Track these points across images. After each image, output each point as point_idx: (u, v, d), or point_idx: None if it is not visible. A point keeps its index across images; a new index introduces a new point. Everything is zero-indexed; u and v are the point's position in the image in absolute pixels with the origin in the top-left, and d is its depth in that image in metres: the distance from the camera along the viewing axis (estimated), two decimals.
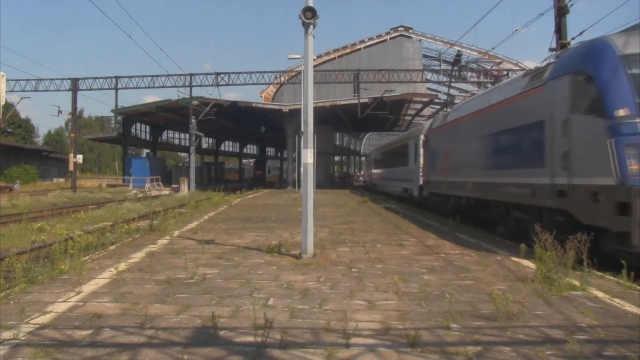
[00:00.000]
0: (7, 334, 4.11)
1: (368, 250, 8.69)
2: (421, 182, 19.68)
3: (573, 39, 13.48)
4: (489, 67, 40.84)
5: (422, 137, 20.01)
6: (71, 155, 36.37)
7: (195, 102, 36.61)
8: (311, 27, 7.85)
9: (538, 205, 8.92)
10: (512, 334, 4.20)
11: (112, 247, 9.11)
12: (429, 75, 40.25)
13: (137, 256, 7.99)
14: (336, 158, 75.76)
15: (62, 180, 52.31)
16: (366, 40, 48.90)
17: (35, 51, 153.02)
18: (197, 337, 4.12)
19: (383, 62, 43.02)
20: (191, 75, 36.33)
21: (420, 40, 47.80)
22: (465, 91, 31.64)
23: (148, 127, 51.10)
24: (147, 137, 52.16)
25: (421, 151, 19.91)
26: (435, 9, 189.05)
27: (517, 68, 37.26)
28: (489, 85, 31.94)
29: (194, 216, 15.57)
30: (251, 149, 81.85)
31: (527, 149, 9.41)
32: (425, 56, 48.03)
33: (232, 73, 36.23)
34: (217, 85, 36.37)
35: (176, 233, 11.03)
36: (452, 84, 41.49)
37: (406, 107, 43.86)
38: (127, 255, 8.02)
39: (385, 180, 31.25)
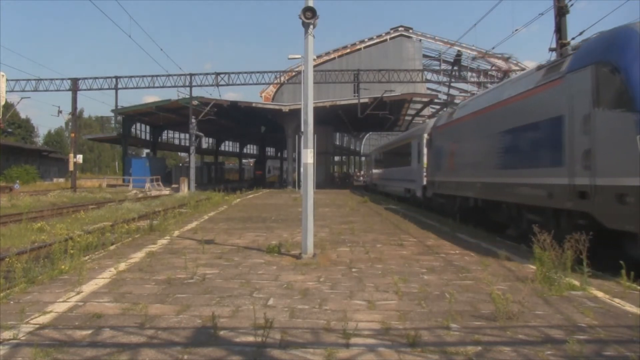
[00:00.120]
0: (7, 334, 4.11)
1: (368, 250, 8.69)
2: (425, 183, 19.11)
3: (573, 39, 13.49)
4: (489, 67, 40.81)
5: (425, 135, 19.33)
6: (71, 155, 36.43)
7: (195, 102, 36.62)
8: (311, 27, 7.85)
9: (554, 207, 8.42)
10: (512, 334, 4.20)
11: (112, 247, 9.11)
12: (429, 75, 40.31)
13: (137, 256, 7.99)
14: (336, 158, 75.79)
15: (62, 180, 52.36)
16: (366, 40, 48.88)
17: (35, 51, 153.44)
18: (197, 337, 4.12)
19: (383, 62, 43.01)
20: (191, 75, 36.40)
21: (420, 40, 47.76)
22: (465, 91, 31.56)
23: (148, 127, 51.09)
24: (147, 137, 52.15)
25: (425, 150, 19.27)
26: (435, 9, 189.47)
27: (517, 68, 37.26)
28: (489, 85, 31.90)
29: (194, 216, 15.57)
30: (251, 149, 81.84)
31: (543, 147, 8.83)
32: (425, 56, 47.97)
33: (232, 73, 36.33)
34: (217, 85, 36.45)
35: (176, 233, 11.03)
36: (452, 84, 41.59)
37: (406, 107, 43.87)
38: (127, 255, 8.02)
39: (387, 180, 30.82)
